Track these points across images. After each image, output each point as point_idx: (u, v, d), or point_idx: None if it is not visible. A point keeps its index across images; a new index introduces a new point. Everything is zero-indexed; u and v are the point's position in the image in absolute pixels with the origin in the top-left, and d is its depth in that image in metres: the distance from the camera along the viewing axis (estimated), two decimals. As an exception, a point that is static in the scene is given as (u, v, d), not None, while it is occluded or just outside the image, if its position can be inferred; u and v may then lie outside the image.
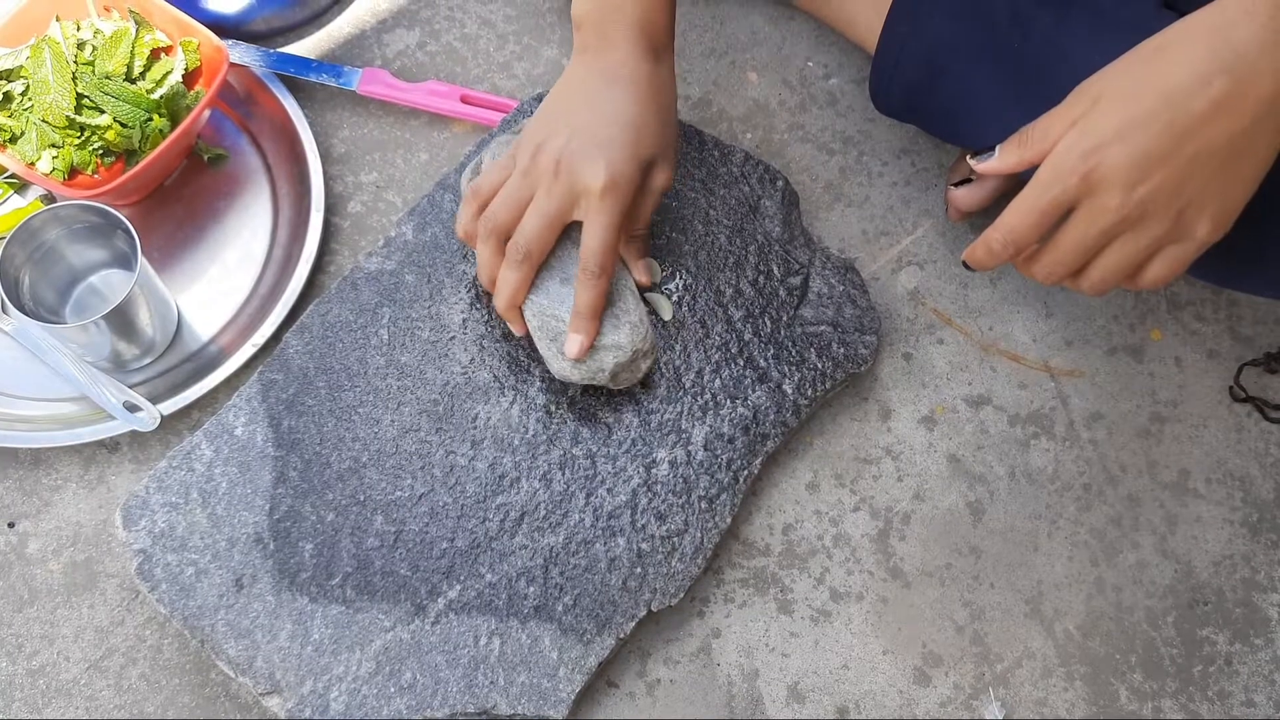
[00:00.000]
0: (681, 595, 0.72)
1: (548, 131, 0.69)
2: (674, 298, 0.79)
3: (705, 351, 0.78)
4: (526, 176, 0.69)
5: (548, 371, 0.76)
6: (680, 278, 0.80)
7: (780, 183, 0.84)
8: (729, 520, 0.74)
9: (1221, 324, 0.87)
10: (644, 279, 0.76)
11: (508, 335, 0.77)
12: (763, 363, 0.78)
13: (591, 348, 0.71)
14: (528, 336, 0.75)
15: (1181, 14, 0.58)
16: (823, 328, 0.80)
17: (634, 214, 0.71)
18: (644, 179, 0.70)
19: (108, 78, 0.81)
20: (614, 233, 0.68)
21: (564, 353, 0.71)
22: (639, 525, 0.73)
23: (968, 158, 0.64)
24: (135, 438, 0.79)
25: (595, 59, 0.71)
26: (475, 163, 0.77)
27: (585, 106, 0.69)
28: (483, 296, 0.78)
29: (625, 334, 0.71)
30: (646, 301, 0.78)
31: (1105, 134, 0.56)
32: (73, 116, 0.80)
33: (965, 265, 0.65)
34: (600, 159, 0.67)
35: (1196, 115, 0.55)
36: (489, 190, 0.71)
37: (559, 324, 0.71)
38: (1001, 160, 0.61)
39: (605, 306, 0.71)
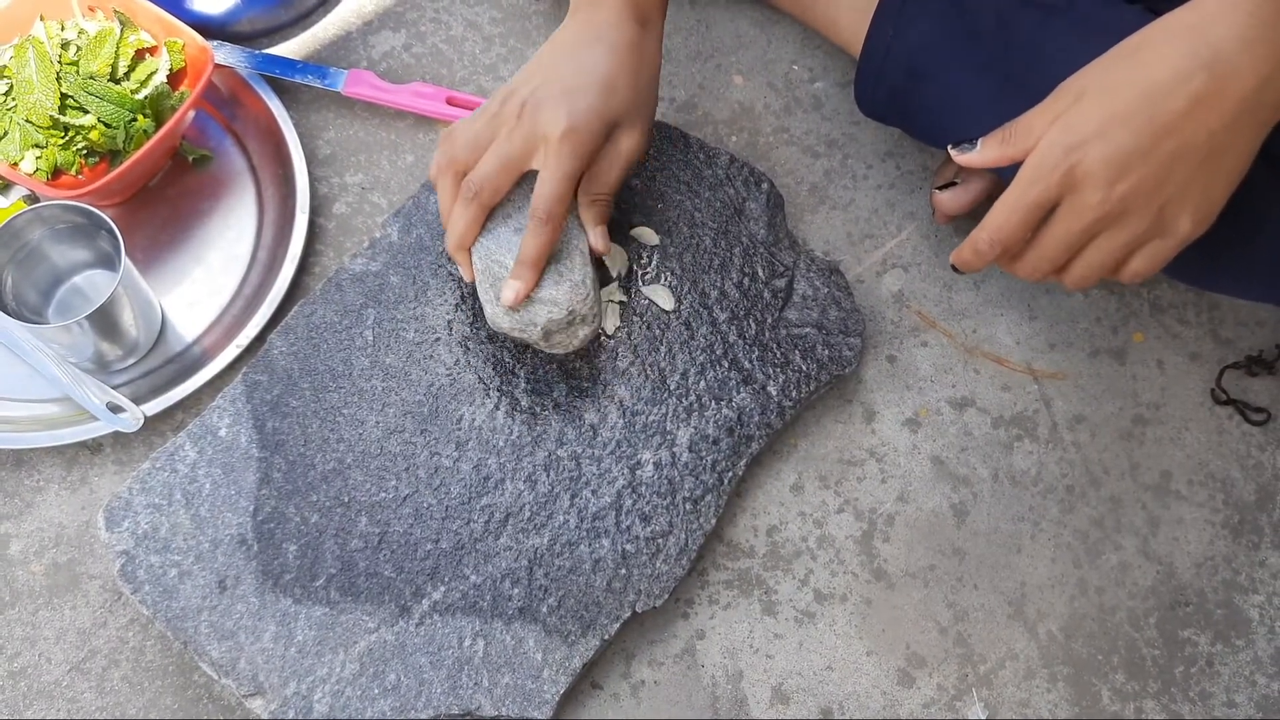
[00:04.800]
0: (666, 597, 0.72)
1: (521, 80, 0.69)
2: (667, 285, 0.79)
3: (690, 353, 0.78)
4: (492, 120, 0.69)
5: (533, 373, 0.76)
6: (665, 280, 0.80)
7: (765, 185, 0.84)
8: (713, 522, 0.75)
9: (1203, 327, 0.88)
10: (598, 245, 0.73)
11: (493, 335, 0.77)
12: (747, 365, 0.78)
13: (528, 299, 0.70)
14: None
15: None
16: (807, 330, 0.80)
17: (596, 175, 0.71)
18: (610, 138, 0.70)
19: (92, 78, 0.81)
20: (567, 182, 0.67)
21: (499, 298, 0.70)
22: (624, 526, 0.73)
23: (949, 147, 0.64)
24: (118, 439, 0.78)
25: (580, 19, 0.71)
26: None
27: (561, 60, 0.69)
28: (467, 294, 0.78)
29: (565, 291, 0.70)
30: (624, 292, 0.78)
31: (1086, 131, 0.57)
32: (57, 116, 0.79)
33: (954, 268, 0.65)
34: (563, 106, 0.67)
35: (1176, 112, 0.55)
36: (459, 132, 0.71)
37: (502, 270, 0.70)
38: (982, 154, 0.62)
39: (550, 261, 0.70)
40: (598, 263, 0.77)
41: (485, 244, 0.71)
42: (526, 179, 0.72)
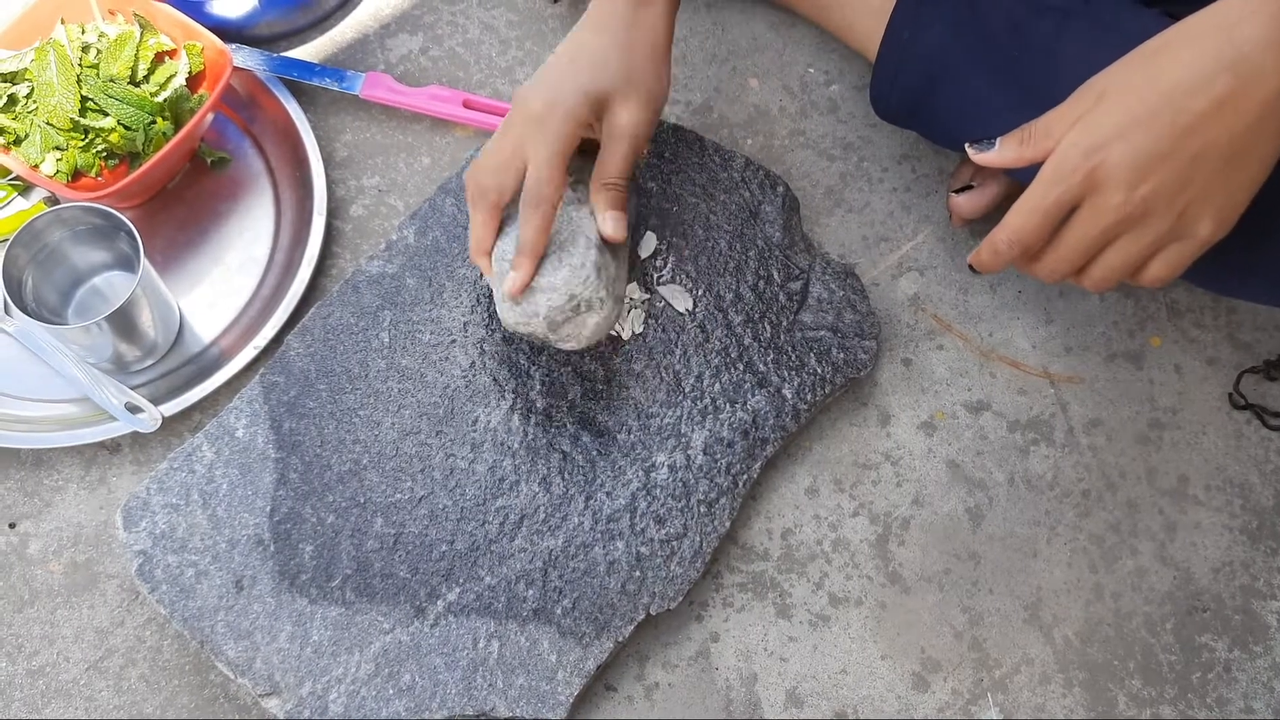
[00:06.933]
0: (680, 599, 0.72)
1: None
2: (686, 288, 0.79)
3: (705, 356, 0.78)
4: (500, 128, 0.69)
5: (548, 375, 0.77)
6: (680, 282, 0.80)
7: (781, 188, 0.84)
8: (728, 524, 0.74)
9: (1221, 331, 0.88)
10: (609, 231, 0.70)
11: (508, 338, 0.77)
12: (762, 367, 0.78)
13: (530, 289, 0.68)
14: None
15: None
16: (822, 333, 0.80)
17: (602, 160, 0.69)
18: (607, 117, 0.68)
19: (112, 80, 0.81)
20: (555, 161, 0.66)
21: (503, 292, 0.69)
22: (638, 529, 0.73)
23: (966, 145, 0.64)
24: (136, 439, 0.79)
25: (586, 11, 0.71)
26: None
27: (558, 53, 0.69)
28: (484, 300, 0.78)
29: (563, 276, 0.68)
30: (645, 290, 0.78)
31: (1108, 132, 0.56)
32: (77, 119, 0.80)
33: (971, 269, 0.65)
34: (544, 88, 0.66)
35: (1199, 114, 0.55)
36: (479, 154, 0.71)
37: (508, 266, 0.69)
38: (1000, 154, 0.61)
39: (554, 250, 0.68)
40: (628, 259, 0.76)
41: (500, 246, 0.70)
42: None
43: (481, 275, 0.78)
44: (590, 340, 0.70)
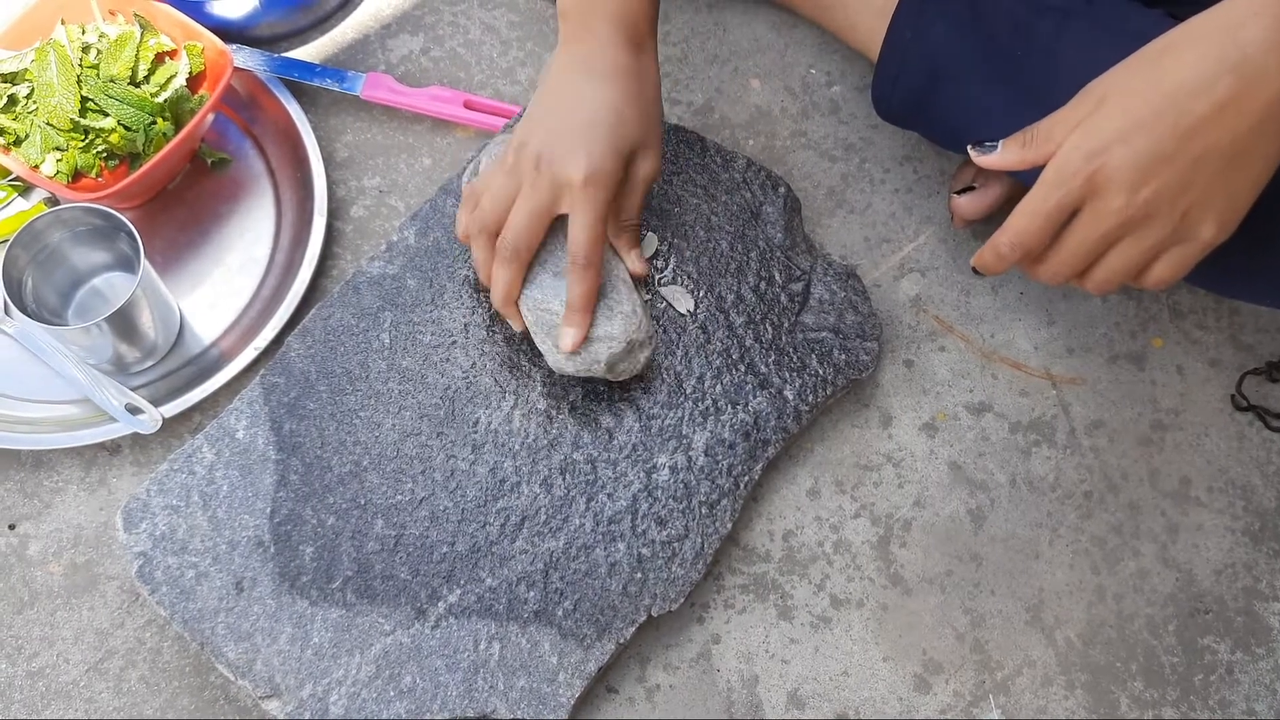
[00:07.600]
0: (681, 601, 0.72)
1: (530, 129, 0.70)
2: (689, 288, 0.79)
3: (706, 357, 0.78)
4: (511, 174, 0.70)
5: (549, 376, 0.76)
6: (681, 283, 0.80)
7: (782, 189, 0.84)
8: (729, 526, 0.74)
9: (1223, 332, 0.87)
10: (637, 269, 0.76)
11: (510, 338, 0.77)
12: (764, 369, 0.78)
13: (585, 340, 0.71)
14: (527, 334, 0.75)
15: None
16: (824, 334, 0.80)
17: (621, 205, 0.72)
18: (627, 169, 0.70)
19: (112, 81, 0.81)
20: (599, 224, 0.68)
21: (558, 346, 0.71)
22: (639, 530, 0.73)
23: (969, 147, 0.64)
24: (136, 440, 0.79)
25: (575, 52, 0.71)
26: (474, 164, 0.77)
27: (564, 101, 0.70)
28: (483, 298, 0.78)
29: (618, 325, 0.71)
30: (647, 292, 0.79)
31: (1109, 135, 0.56)
32: (77, 119, 0.80)
33: (974, 270, 0.65)
34: (580, 151, 0.67)
35: (1201, 116, 0.55)
36: (482, 190, 0.72)
37: (553, 317, 0.71)
38: (1002, 156, 0.61)
39: (598, 298, 0.71)
40: (639, 280, 0.78)
41: (531, 294, 0.72)
42: (558, 225, 0.72)
43: (500, 319, 0.78)
44: (642, 369, 0.74)
